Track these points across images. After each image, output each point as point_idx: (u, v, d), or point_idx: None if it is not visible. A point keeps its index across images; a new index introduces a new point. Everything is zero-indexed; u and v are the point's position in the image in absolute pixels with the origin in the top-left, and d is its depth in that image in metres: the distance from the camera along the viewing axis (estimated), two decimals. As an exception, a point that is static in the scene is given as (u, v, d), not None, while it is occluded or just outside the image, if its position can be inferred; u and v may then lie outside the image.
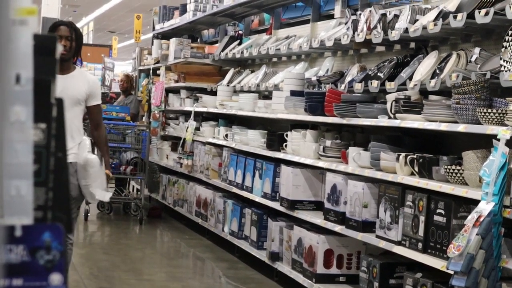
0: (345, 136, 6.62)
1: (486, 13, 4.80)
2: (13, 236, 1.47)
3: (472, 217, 4.26)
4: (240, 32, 10.43)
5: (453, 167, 4.87)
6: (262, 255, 7.39)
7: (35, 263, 1.48)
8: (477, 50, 5.15)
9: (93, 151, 5.52)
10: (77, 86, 5.48)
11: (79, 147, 5.40)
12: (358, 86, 6.18)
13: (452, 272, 4.29)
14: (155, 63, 12.42)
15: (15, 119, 1.45)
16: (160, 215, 10.96)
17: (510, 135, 4.25)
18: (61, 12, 17.37)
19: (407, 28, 5.65)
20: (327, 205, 6.28)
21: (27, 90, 1.46)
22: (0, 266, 1.46)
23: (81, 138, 5.47)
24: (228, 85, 9.43)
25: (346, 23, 6.70)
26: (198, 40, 12.49)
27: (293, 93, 7.06)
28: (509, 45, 4.69)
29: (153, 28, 13.47)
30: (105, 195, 5.47)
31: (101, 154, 5.57)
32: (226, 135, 8.78)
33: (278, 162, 7.27)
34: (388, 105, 5.55)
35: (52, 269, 1.49)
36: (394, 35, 5.77)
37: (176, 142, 10.86)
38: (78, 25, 29.47)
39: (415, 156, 5.22)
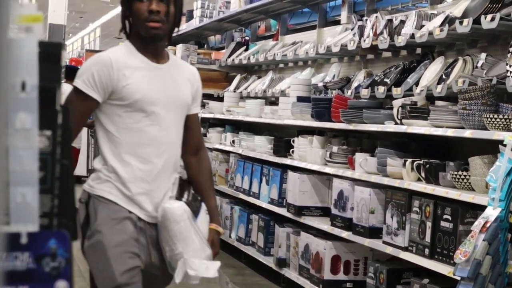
0: (351, 142, 6.61)
1: (492, 19, 4.79)
2: (19, 243, 1.47)
3: (478, 223, 4.25)
4: (247, 38, 10.43)
5: (460, 172, 4.86)
6: (269, 261, 7.38)
7: (40, 270, 1.48)
8: (483, 55, 5.14)
9: (181, 194, 3.43)
10: (181, 83, 3.52)
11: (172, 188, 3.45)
12: (365, 92, 6.17)
13: (459, 278, 4.28)
14: (161, 69, 12.41)
15: (20, 126, 1.45)
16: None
17: (516, 140, 4.23)
18: (67, 18, 17.40)
19: (413, 34, 5.64)
20: (334, 211, 6.27)
21: (32, 97, 1.46)
22: (6, 273, 1.47)
23: (177, 174, 3.50)
24: (234, 91, 9.43)
25: (352, 29, 6.70)
26: (205, 46, 12.50)
27: (300, 99, 7.06)
28: (515, 51, 4.68)
29: (160, 35, 13.45)
30: (207, 268, 3.58)
31: (203, 197, 3.55)
32: (233, 141, 8.77)
33: (285, 168, 7.25)
34: (395, 111, 5.54)
35: (57, 276, 1.49)
36: (400, 40, 5.77)
37: (183, 148, 10.85)
38: (85, 31, 29.33)
39: (421, 162, 5.21)
